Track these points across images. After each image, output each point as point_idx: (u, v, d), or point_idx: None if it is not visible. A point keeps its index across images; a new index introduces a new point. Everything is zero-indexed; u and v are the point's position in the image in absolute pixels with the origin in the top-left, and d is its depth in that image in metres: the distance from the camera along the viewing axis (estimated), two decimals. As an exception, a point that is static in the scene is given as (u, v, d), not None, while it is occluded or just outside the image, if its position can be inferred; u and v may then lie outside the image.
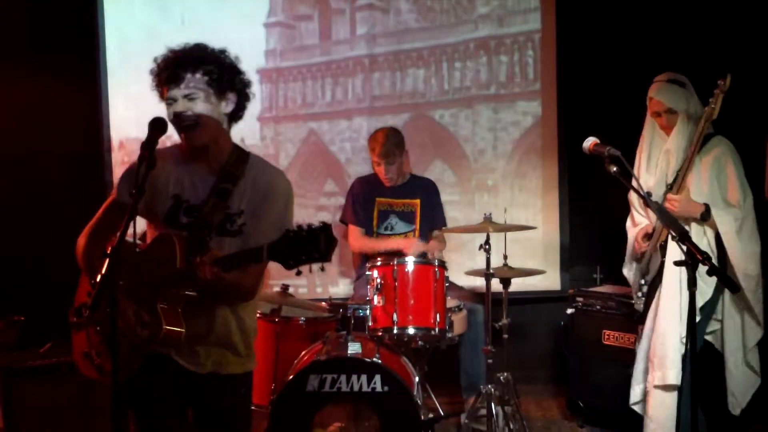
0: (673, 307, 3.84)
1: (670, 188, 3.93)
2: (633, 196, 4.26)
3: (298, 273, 2.45)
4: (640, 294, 4.07)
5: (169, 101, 2.74)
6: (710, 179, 3.89)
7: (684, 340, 3.77)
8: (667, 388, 3.84)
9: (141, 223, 2.93)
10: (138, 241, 2.90)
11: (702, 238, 3.86)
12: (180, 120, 2.73)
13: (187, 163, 2.84)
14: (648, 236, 4.05)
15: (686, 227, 3.81)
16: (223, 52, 2.83)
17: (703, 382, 3.49)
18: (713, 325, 3.95)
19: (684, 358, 3.77)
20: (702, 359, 3.73)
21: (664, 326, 3.85)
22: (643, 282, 4.05)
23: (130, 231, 2.50)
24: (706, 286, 3.77)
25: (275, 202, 2.83)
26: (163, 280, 2.69)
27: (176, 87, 2.72)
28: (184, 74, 2.71)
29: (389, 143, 4.86)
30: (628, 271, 4.28)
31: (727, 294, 3.88)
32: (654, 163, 4.08)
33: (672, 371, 3.80)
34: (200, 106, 2.73)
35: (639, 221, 4.21)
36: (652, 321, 3.94)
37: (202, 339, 2.82)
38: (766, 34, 4.69)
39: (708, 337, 3.95)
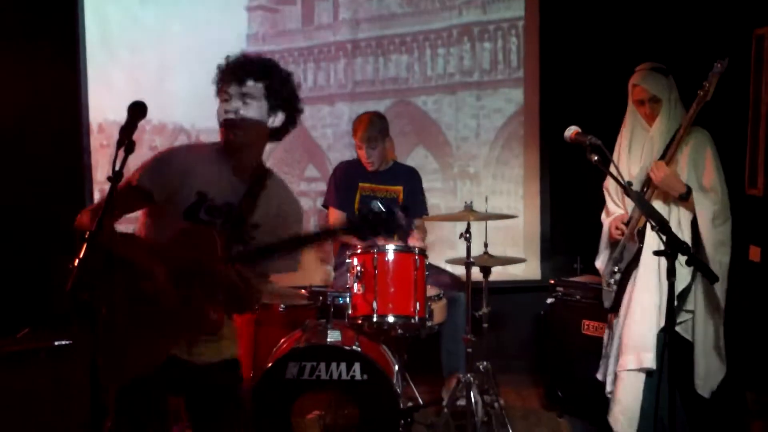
0: (651, 292, 3.86)
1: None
2: (610, 186, 4.27)
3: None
4: (612, 281, 4.08)
5: (225, 97, 2.85)
6: (688, 166, 3.91)
7: (660, 326, 3.80)
8: (638, 372, 3.86)
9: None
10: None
11: (677, 224, 3.88)
12: (226, 115, 2.84)
13: (218, 163, 2.90)
14: (624, 224, 4.06)
15: (664, 211, 3.85)
16: (289, 75, 2.96)
17: (679, 367, 3.51)
18: (683, 316, 3.96)
19: (662, 344, 3.79)
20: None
21: (640, 312, 3.87)
22: (616, 269, 4.06)
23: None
24: (685, 271, 3.79)
25: (292, 225, 2.98)
26: (204, 270, 2.71)
27: (236, 86, 2.83)
28: (248, 79, 2.84)
29: (372, 127, 4.84)
30: (601, 263, 4.29)
31: (699, 283, 3.89)
32: (636, 151, 4.08)
33: (648, 355, 3.83)
34: (251, 111, 2.84)
35: (613, 211, 4.22)
36: (626, 308, 3.96)
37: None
38: (748, 28, 4.68)
39: (678, 328, 3.95)
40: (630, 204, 4.04)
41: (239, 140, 2.85)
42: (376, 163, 4.91)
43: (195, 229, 2.80)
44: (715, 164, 3.92)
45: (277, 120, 2.92)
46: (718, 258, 3.85)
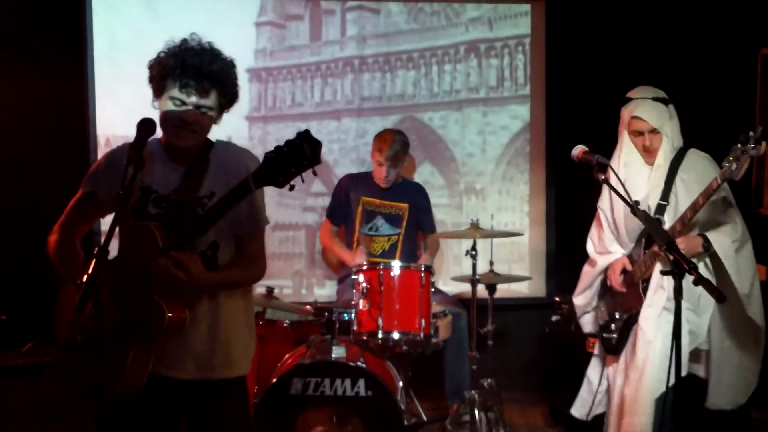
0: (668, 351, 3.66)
1: (660, 210, 3.81)
2: (603, 215, 4.13)
3: (291, 188, 2.40)
4: (612, 327, 3.94)
5: (176, 102, 2.65)
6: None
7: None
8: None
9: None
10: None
11: (699, 263, 3.71)
12: (179, 123, 2.65)
13: (160, 156, 2.76)
14: (623, 272, 3.92)
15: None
16: (233, 65, 2.78)
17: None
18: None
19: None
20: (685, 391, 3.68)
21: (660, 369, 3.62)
22: (617, 316, 3.93)
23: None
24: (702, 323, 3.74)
25: None
26: (140, 270, 2.56)
27: (194, 95, 2.64)
28: (210, 89, 2.66)
29: (398, 145, 4.84)
30: (584, 299, 4.20)
31: (715, 321, 3.80)
32: (636, 182, 3.91)
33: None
34: (206, 121, 2.69)
35: (611, 249, 4.05)
36: (630, 358, 3.82)
37: (196, 336, 2.70)
38: (754, 47, 4.70)
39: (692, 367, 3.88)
40: (630, 233, 3.94)
41: (190, 145, 2.72)
42: (392, 181, 4.91)
43: (135, 228, 2.65)
44: (725, 189, 3.74)
45: (221, 115, 2.77)
46: (744, 288, 3.73)
